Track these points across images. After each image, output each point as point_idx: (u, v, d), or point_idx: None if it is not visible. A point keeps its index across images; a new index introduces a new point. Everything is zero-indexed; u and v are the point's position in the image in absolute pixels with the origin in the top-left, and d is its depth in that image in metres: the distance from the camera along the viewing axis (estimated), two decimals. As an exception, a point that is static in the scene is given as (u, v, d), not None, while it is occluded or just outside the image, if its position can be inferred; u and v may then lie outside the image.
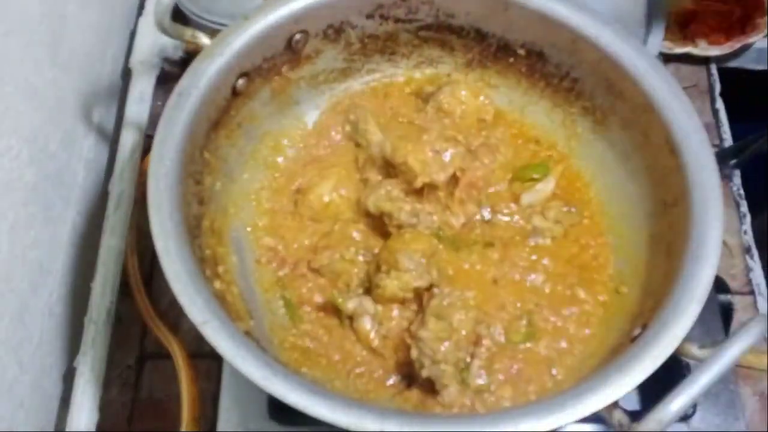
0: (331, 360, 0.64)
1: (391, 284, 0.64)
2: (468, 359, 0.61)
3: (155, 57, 0.94)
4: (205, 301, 0.53)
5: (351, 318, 0.66)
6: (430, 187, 0.70)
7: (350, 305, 0.65)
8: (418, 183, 0.69)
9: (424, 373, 0.60)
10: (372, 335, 0.64)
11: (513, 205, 0.72)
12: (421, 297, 0.65)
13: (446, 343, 0.60)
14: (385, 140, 0.72)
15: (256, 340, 0.58)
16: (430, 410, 0.60)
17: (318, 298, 0.68)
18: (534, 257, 0.68)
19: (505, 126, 0.76)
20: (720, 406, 0.75)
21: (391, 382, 0.63)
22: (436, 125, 0.74)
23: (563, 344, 0.64)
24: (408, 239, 0.66)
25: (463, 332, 0.61)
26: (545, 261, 0.68)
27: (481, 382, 0.60)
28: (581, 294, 0.67)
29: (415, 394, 0.62)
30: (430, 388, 0.60)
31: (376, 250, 0.69)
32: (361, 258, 0.69)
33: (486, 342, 0.61)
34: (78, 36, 0.84)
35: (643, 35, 0.88)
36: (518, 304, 0.66)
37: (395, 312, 0.65)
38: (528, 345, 0.64)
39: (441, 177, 0.69)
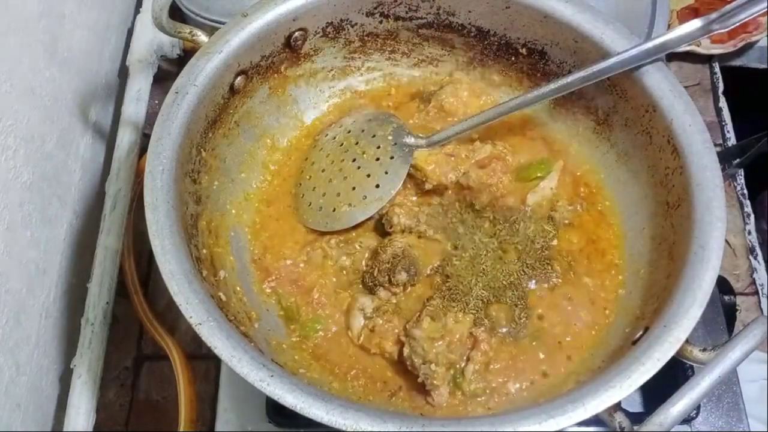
0: (329, 361, 0.64)
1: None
2: (463, 363, 0.61)
3: (153, 55, 0.94)
4: (201, 301, 0.53)
5: (346, 315, 0.65)
6: (438, 189, 0.70)
7: (346, 301, 0.66)
8: (428, 185, 0.69)
9: (415, 372, 0.60)
10: (365, 332, 0.64)
11: (521, 208, 0.71)
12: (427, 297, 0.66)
13: (438, 344, 0.60)
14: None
15: (254, 341, 0.58)
16: (419, 410, 0.60)
17: (312, 296, 0.67)
18: (538, 258, 0.68)
19: (508, 127, 0.75)
20: (723, 408, 0.74)
21: (385, 381, 0.63)
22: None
23: (565, 346, 0.64)
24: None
25: (457, 335, 0.60)
26: (549, 261, 0.68)
27: (475, 386, 0.60)
28: (584, 295, 0.66)
29: (406, 393, 0.62)
30: (422, 388, 0.60)
31: (358, 245, 0.69)
32: (344, 260, 0.69)
33: (483, 346, 0.61)
34: (75, 34, 0.84)
35: (646, 33, 0.88)
36: (521, 304, 0.65)
37: (391, 310, 0.65)
38: (528, 346, 0.64)
39: (452, 178, 0.69)
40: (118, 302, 0.81)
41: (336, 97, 0.78)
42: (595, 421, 0.50)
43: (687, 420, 0.71)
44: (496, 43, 0.74)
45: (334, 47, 0.75)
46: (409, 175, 0.70)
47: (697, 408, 0.71)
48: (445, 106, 0.75)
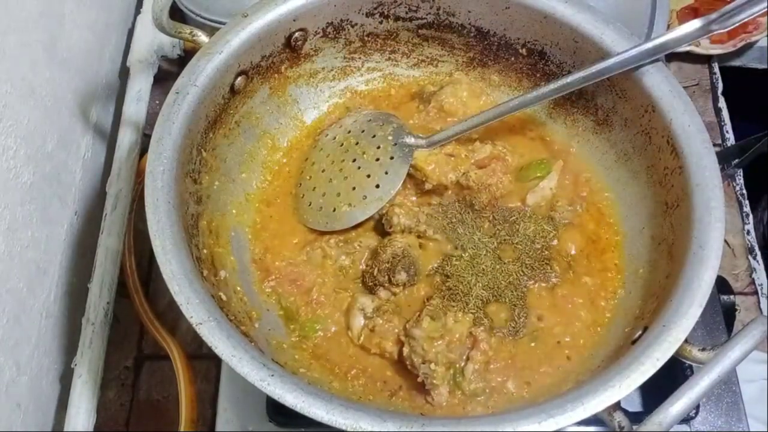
0: (329, 361, 0.64)
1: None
2: (462, 363, 0.61)
3: (153, 55, 0.94)
4: (202, 301, 0.53)
5: (346, 315, 0.66)
6: (438, 189, 0.70)
7: (345, 301, 0.66)
8: (428, 186, 0.69)
9: (415, 372, 0.60)
10: (365, 331, 0.65)
11: (520, 207, 0.71)
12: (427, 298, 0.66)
13: (438, 343, 0.60)
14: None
15: (254, 341, 0.58)
16: (418, 410, 0.60)
17: (312, 296, 0.67)
18: (538, 258, 0.68)
19: (508, 127, 0.75)
20: (722, 408, 0.74)
21: (385, 381, 0.63)
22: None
23: (564, 345, 0.64)
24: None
25: (457, 335, 0.61)
26: (549, 261, 0.68)
27: (475, 386, 0.60)
28: (584, 294, 0.66)
29: (406, 393, 0.62)
30: (422, 387, 0.60)
31: (357, 245, 0.69)
32: (344, 259, 0.69)
33: (483, 345, 0.61)
34: (76, 34, 0.84)
35: (646, 34, 0.88)
36: (521, 304, 0.65)
37: (391, 310, 0.65)
38: (528, 345, 0.64)
39: (452, 178, 0.69)
40: (118, 302, 0.81)
41: (336, 97, 0.79)
42: (594, 420, 0.50)
43: (686, 419, 0.71)
44: (495, 44, 0.74)
45: (335, 47, 0.75)
46: (409, 175, 0.70)
47: (697, 408, 0.71)
48: (445, 107, 0.75)
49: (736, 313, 0.77)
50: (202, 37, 0.67)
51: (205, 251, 0.62)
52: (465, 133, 0.69)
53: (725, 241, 0.86)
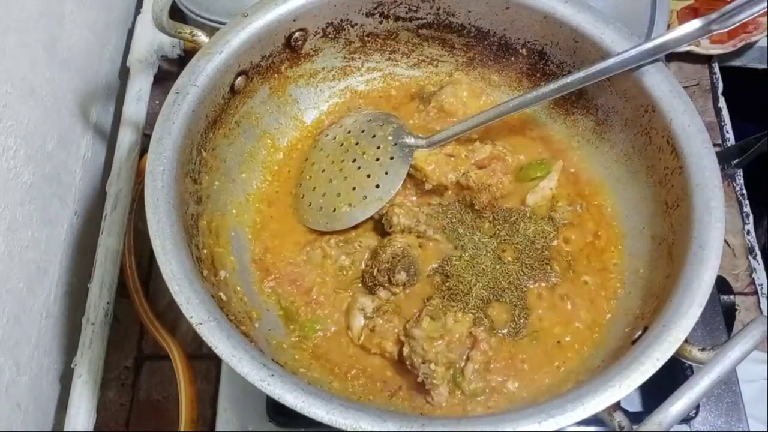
0: (329, 361, 0.64)
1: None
2: (462, 363, 0.61)
3: (153, 55, 0.94)
4: (202, 301, 0.53)
5: (346, 315, 0.66)
6: (438, 189, 0.70)
7: (345, 301, 0.66)
8: (428, 186, 0.69)
9: (415, 372, 0.60)
10: (365, 331, 0.64)
11: (520, 207, 0.71)
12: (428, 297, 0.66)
13: (438, 343, 0.60)
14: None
15: (254, 341, 0.58)
16: (418, 410, 0.60)
17: (311, 296, 0.67)
18: (538, 258, 0.68)
19: (508, 127, 0.75)
20: (722, 408, 0.74)
21: (384, 381, 0.63)
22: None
23: (564, 345, 0.64)
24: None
25: (457, 335, 0.61)
26: (549, 261, 0.68)
27: (475, 386, 0.60)
28: (584, 294, 0.66)
29: (406, 393, 0.62)
30: (422, 387, 0.60)
31: (357, 245, 0.69)
32: (343, 259, 0.69)
33: (483, 345, 0.61)
34: (76, 34, 0.84)
35: (646, 34, 0.88)
36: (521, 304, 0.65)
37: (391, 310, 0.65)
38: (528, 345, 0.64)
39: (452, 178, 0.69)
40: (118, 302, 0.81)
41: (336, 97, 0.79)
42: (594, 420, 0.50)
43: (686, 419, 0.71)
44: (495, 44, 0.74)
45: (334, 47, 0.75)
46: (409, 176, 0.70)
47: (697, 408, 0.71)
48: (445, 107, 0.75)
49: (736, 313, 0.77)
50: (202, 37, 0.67)
51: (205, 251, 0.62)
52: (465, 133, 0.69)
53: (725, 241, 0.86)
